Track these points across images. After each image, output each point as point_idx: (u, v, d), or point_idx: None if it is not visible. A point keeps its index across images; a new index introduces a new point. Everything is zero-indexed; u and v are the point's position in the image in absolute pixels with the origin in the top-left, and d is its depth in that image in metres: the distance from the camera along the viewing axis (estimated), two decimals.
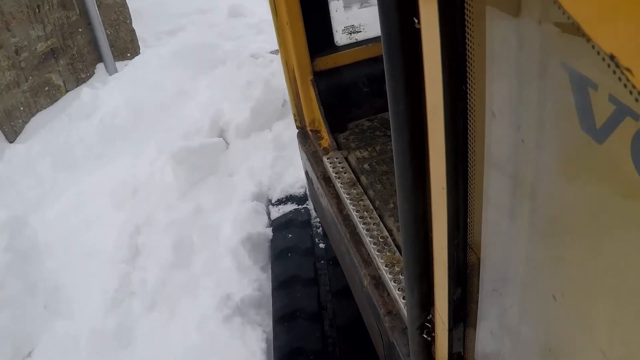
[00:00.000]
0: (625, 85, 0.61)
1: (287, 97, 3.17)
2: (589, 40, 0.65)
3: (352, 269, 2.42)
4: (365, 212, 2.38)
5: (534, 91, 0.83)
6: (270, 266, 3.56)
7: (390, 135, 1.20)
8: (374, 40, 2.92)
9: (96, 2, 6.20)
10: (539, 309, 1.03)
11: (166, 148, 4.46)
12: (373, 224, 2.32)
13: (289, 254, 3.50)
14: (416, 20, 1.00)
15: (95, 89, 5.87)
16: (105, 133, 5.21)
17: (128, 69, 6.19)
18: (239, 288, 3.44)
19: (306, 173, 3.17)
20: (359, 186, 2.53)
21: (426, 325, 1.49)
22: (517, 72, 0.86)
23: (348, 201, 2.46)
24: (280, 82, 4.55)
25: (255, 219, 3.88)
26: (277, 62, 5.16)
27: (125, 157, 4.84)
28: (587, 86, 0.69)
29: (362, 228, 2.31)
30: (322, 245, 3.57)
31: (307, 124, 2.98)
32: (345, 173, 2.62)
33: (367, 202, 2.43)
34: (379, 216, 2.35)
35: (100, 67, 6.44)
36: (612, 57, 0.62)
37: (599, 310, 0.85)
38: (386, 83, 1.12)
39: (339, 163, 2.69)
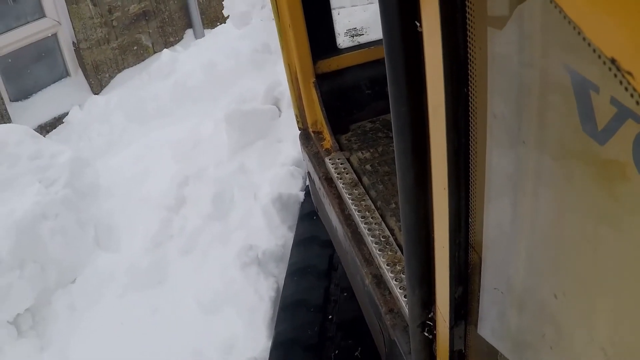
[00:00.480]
0: (626, 89, 0.62)
1: None
2: (590, 44, 0.66)
3: (354, 268, 2.43)
4: (367, 212, 2.39)
5: (535, 93, 0.84)
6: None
7: (392, 137, 1.21)
8: (376, 43, 2.93)
9: None
10: (540, 308, 1.04)
11: (227, 111, 4.68)
12: (375, 224, 2.33)
13: (314, 217, 3.62)
14: (418, 24, 1.01)
15: (176, 52, 6.17)
16: (177, 93, 5.57)
17: (209, 36, 6.42)
18: (264, 242, 3.66)
19: (308, 174, 3.18)
20: (361, 187, 2.53)
21: (427, 323, 1.50)
22: (519, 75, 0.86)
23: (350, 201, 2.47)
24: None
25: (290, 182, 4.04)
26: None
27: (191, 116, 5.18)
28: (588, 89, 0.70)
29: (364, 228, 2.32)
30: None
31: (309, 125, 2.98)
32: (347, 174, 2.63)
33: (369, 202, 2.44)
34: (381, 216, 2.35)
35: (189, 32, 6.69)
36: (613, 61, 0.63)
37: (599, 309, 0.86)
38: (388, 85, 1.13)
39: (341, 164, 2.70)
